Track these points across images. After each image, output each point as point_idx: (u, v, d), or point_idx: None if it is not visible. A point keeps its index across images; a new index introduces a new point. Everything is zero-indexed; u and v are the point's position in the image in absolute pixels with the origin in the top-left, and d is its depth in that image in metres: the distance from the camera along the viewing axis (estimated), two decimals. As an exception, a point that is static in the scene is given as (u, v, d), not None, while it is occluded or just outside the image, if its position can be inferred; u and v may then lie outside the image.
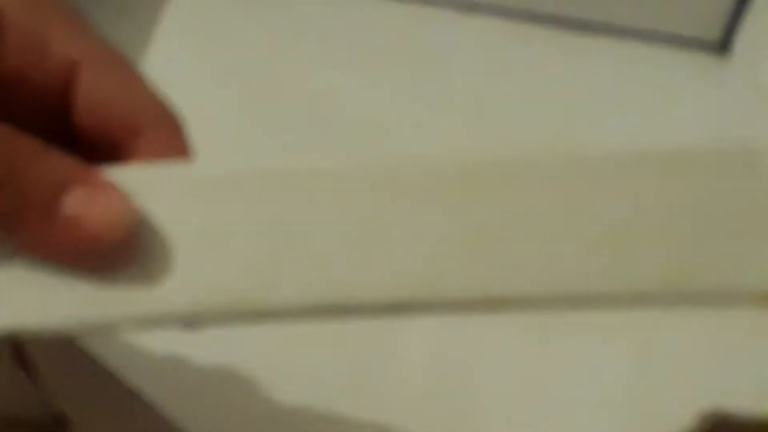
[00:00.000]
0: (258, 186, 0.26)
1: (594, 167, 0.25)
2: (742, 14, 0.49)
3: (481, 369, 0.42)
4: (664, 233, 0.24)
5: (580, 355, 0.42)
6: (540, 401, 0.42)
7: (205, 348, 0.42)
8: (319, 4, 0.54)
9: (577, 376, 0.42)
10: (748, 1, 0.49)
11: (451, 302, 0.24)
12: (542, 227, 0.24)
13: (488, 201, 0.25)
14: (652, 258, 0.24)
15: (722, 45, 0.51)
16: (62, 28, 0.27)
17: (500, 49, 0.52)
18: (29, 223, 0.25)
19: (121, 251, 0.25)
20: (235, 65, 0.52)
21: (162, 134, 0.28)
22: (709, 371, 0.41)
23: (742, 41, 0.49)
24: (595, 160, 0.25)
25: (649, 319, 0.42)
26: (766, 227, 0.24)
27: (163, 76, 0.50)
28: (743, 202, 0.24)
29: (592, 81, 0.51)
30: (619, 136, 0.49)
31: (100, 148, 0.27)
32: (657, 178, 0.25)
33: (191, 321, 0.26)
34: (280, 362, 0.42)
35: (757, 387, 0.38)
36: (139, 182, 0.26)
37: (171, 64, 0.52)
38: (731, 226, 0.24)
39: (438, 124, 0.50)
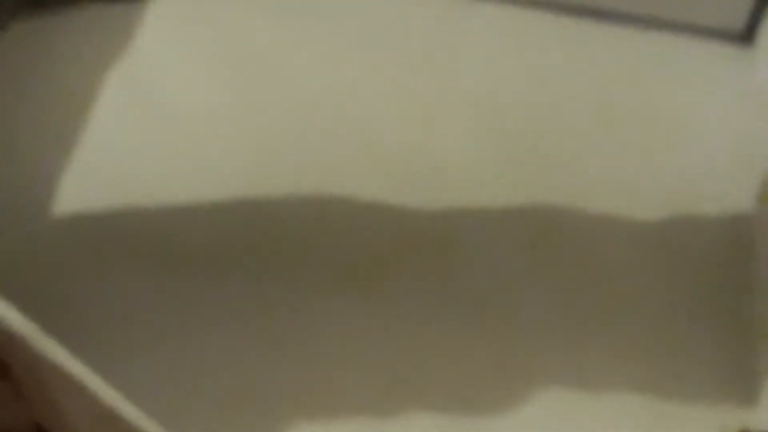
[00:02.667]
0: None
1: None
2: (764, 7, 0.50)
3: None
4: None
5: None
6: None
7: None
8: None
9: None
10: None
11: None
12: None
13: None
14: None
15: (746, 36, 0.51)
16: None
17: (515, 36, 0.51)
18: None
19: None
20: (224, 51, 0.50)
21: None
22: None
23: (765, 32, 0.50)
24: None
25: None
26: None
27: (152, 62, 0.50)
28: None
29: (610, 68, 0.50)
30: (644, 120, 0.48)
31: None
32: None
33: None
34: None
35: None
36: None
37: (160, 50, 0.50)
38: None
39: (448, 113, 0.49)
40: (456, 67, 0.50)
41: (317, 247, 0.44)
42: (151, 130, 0.47)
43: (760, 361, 0.40)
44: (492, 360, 0.42)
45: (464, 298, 0.43)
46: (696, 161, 0.47)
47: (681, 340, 0.42)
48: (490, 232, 0.45)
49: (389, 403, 0.40)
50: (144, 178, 0.46)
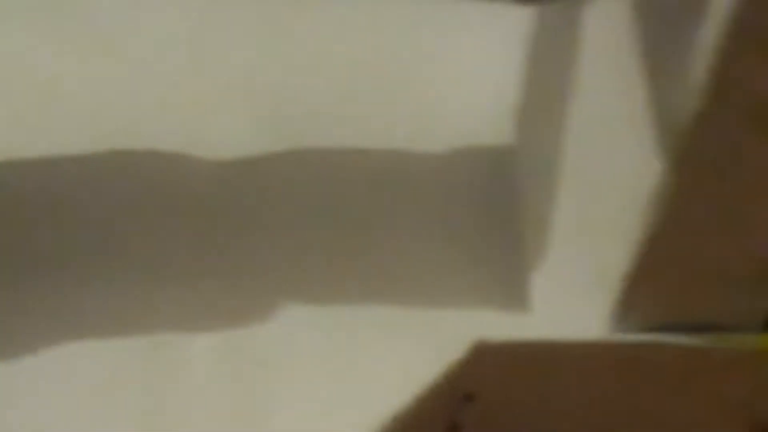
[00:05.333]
0: None
1: None
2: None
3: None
4: None
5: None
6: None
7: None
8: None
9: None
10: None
11: None
12: None
13: None
14: None
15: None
16: None
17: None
18: None
19: None
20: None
21: None
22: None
23: None
24: None
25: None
26: None
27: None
28: None
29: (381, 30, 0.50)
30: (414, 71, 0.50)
31: None
32: None
33: None
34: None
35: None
36: None
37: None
38: None
39: (219, 99, 0.49)
40: (223, 55, 0.49)
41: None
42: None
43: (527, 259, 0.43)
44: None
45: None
46: (460, 101, 0.49)
47: (440, 255, 0.44)
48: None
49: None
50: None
